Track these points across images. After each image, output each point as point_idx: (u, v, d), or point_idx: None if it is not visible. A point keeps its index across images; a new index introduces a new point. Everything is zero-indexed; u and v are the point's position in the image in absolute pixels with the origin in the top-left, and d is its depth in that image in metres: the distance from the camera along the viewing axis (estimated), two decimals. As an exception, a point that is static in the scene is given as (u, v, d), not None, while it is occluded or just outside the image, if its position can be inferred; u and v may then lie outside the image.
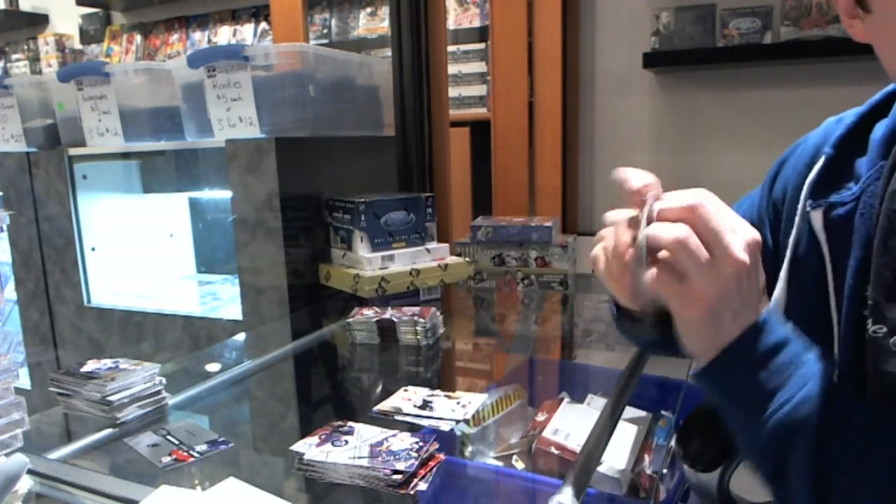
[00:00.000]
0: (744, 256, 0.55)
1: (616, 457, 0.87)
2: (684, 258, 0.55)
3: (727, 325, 0.57)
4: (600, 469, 0.84)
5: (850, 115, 0.73)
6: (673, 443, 0.99)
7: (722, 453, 0.91)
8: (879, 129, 0.67)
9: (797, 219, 0.70)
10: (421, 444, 0.82)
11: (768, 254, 0.78)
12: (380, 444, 0.83)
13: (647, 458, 0.93)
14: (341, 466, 0.78)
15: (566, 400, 1.05)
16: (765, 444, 0.57)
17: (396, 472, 0.76)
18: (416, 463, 0.77)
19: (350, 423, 0.89)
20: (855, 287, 0.61)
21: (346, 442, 0.83)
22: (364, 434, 0.86)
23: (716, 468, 0.91)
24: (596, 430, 0.75)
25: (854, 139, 0.69)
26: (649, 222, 0.58)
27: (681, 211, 0.57)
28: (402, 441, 0.83)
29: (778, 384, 0.57)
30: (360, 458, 0.79)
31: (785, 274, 0.71)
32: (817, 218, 0.66)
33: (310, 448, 0.82)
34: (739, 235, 0.56)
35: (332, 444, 0.83)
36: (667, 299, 0.58)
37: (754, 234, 0.57)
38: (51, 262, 1.91)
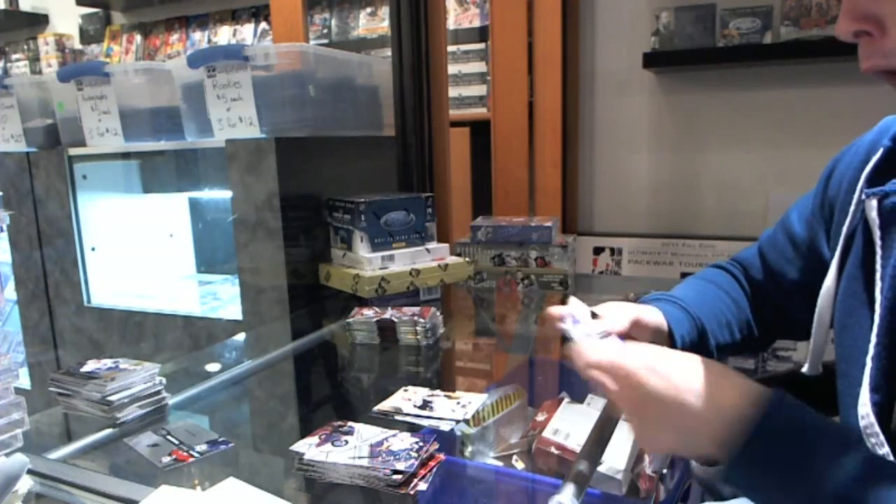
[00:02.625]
0: (610, 385, 0.64)
1: (616, 457, 0.87)
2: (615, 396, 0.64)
3: (687, 430, 0.59)
4: (600, 469, 0.84)
5: None
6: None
7: None
8: None
9: (852, 208, 0.71)
10: (421, 443, 0.82)
11: (819, 250, 0.81)
12: (380, 444, 0.83)
13: (647, 458, 0.92)
14: (341, 466, 0.78)
15: (566, 400, 1.05)
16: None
17: (396, 472, 0.76)
18: (416, 463, 0.77)
19: (350, 423, 0.89)
20: None
21: (346, 442, 0.83)
22: (364, 434, 0.86)
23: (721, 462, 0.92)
24: (596, 430, 0.75)
25: None
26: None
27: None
28: (402, 441, 0.83)
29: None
30: (360, 458, 0.79)
31: (836, 262, 0.72)
32: (872, 206, 0.66)
33: (310, 448, 0.82)
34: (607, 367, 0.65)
35: (332, 444, 0.83)
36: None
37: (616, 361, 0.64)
38: (51, 262, 1.91)
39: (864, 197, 0.68)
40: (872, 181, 0.70)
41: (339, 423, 0.89)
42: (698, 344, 0.88)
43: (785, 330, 0.94)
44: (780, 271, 0.88)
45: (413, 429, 0.91)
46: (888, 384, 0.61)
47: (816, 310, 0.74)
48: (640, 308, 0.85)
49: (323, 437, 0.85)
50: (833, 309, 0.73)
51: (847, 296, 0.70)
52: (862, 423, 0.60)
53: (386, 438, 0.84)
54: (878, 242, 0.65)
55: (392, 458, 0.78)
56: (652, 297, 0.92)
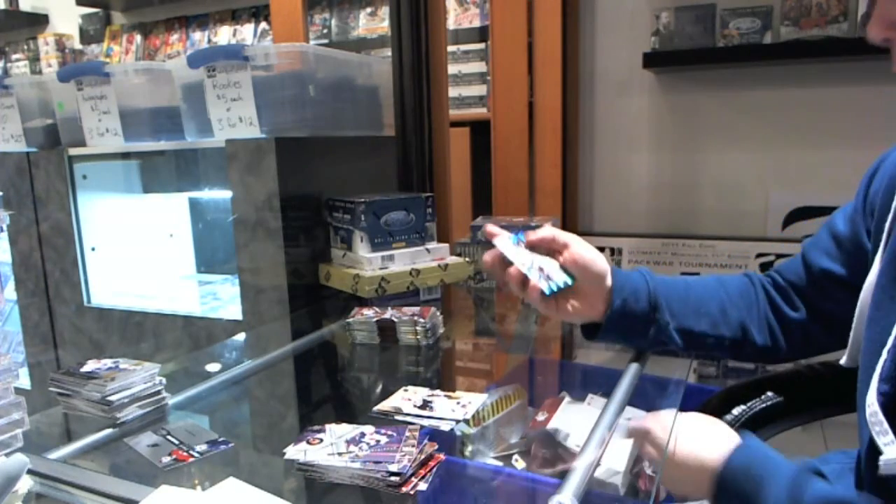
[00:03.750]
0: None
1: (615, 459, 0.87)
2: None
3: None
4: (599, 471, 0.84)
5: None
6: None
7: None
8: None
9: (895, 204, 0.71)
10: (393, 434, 0.82)
11: (867, 252, 0.81)
12: (356, 440, 0.82)
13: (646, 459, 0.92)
14: (341, 467, 0.78)
15: (566, 399, 1.05)
16: None
17: (393, 474, 0.76)
18: (401, 454, 0.77)
19: (326, 425, 0.89)
20: None
21: (321, 440, 0.83)
22: (337, 432, 0.86)
23: None
24: (596, 430, 0.75)
25: None
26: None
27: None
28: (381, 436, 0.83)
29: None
30: (344, 453, 0.79)
31: (882, 257, 0.72)
32: None
33: (304, 453, 0.82)
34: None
35: (307, 442, 0.83)
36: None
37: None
38: (51, 262, 1.91)
39: None
40: None
41: (316, 426, 0.89)
42: (646, 314, 0.92)
43: (818, 337, 0.94)
44: (822, 268, 0.88)
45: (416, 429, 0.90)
46: None
47: (858, 303, 0.75)
48: (576, 240, 0.92)
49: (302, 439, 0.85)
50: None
51: (878, 289, 0.70)
52: (868, 411, 0.61)
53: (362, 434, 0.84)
54: None
55: (382, 455, 0.78)
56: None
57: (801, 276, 0.93)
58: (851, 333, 0.76)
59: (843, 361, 0.79)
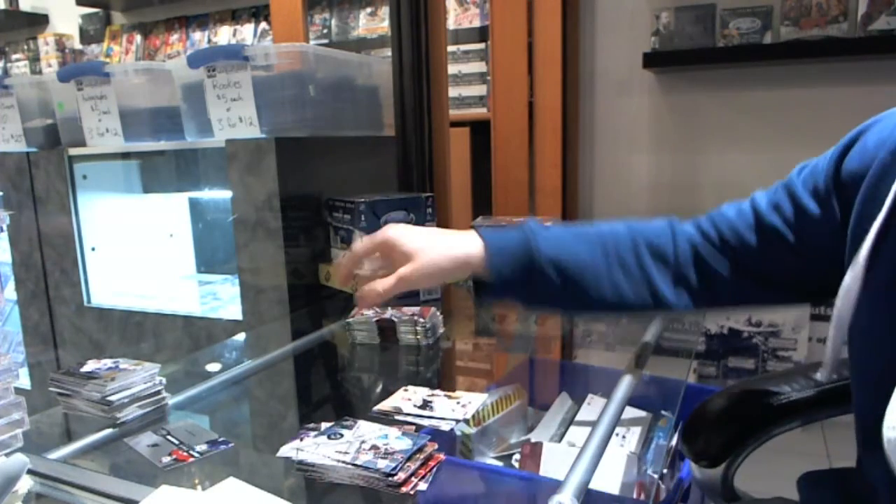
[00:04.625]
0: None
1: (608, 481, 0.85)
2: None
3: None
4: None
5: None
6: (676, 439, 1.00)
7: (726, 449, 0.91)
8: None
9: (889, 201, 0.64)
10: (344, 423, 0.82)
11: (830, 225, 0.73)
12: (337, 434, 0.82)
13: (647, 459, 0.92)
14: (341, 467, 0.78)
15: (543, 444, 0.98)
16: None
17: (391, 474, 0.76)
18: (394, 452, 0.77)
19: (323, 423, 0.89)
20: None
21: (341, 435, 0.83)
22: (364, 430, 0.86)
23: (720, 464, 0.92)
24: (596, 430, 0.75)
25: None
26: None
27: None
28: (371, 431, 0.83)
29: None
30: (346, 453, 0.79)
31: (864, 261, 0.65)
32: None
33: (298, 451, 0.82)
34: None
35: (301, 439, 0.83)
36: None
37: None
38: (51, 262, 1.91)
39: None
40: None
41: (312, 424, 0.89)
42: (527, 267, 0.84)
43: (748, 292, 0.83)
44: (784, 236, 0.79)
45: (416, 429, 0.90)
46: None
47: (835, 311, 0.68)
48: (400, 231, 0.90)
49: (303, 437, 0.85)
50: (854, 312, 0.66)
51: (882, 302, 0.64)
52: (888, 435, 0.56)
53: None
54: None
55: (379, 455, 0.78)
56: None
57: (739, 232, 0.82)
58: (829, 344, 0.70)
59: (820, 377, 0.76)
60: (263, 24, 3.10)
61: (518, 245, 0.85)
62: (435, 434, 0.88)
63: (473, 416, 0.96)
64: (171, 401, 1.02)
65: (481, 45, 2.59)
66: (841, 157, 0.75)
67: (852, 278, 0.66)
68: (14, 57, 3.77)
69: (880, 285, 0.64)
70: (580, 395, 1.13)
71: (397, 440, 0.83)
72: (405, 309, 1.35)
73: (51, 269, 1.91)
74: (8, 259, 1.99)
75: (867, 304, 0.65)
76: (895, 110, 0.72)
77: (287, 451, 0.82)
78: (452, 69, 2.53)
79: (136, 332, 1.79)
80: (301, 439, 0.84)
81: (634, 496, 0.85)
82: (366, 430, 0.87)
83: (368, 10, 2.91)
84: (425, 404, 0.98)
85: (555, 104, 2.09)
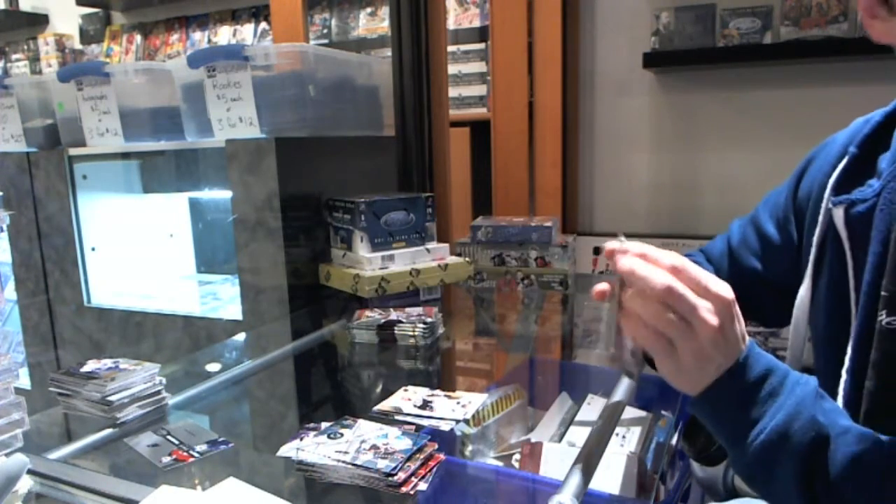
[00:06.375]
0: (714, 321, 0.55)
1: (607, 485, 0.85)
2: (671, 329, 0.56)
3: (710, 374, 0.58)
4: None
5: (877, 114, 0.73)
6: (676, 439, 1.00)
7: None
8: None
9: (821, 217, 0.70)
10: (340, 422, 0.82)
11: (790, 250, 0.79)
12: (336, 434, 0.83)
13: (647, 459, 0.92)
14: (341, 467, 0.78)
15: (543, 444, 0.98)
16: (750, 466, 0.59)
17: (391, 474, 0.76)
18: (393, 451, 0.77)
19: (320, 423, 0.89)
20: (871, 282, 0.61)
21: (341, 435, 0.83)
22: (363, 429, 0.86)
23: (721, 462, 0.92)
24: (596, 431, 0.75)
25: (878, 138, 0.70)
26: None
27: (666, 267, 0.57)
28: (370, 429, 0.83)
29: (757, 415, 0.58)
30: (346, 453, 0.79)
31: (810, 271, 0.71)
32: (839, 215, 0.66)
33: (298, 451, 0.82)
34: (711, 298, 0.56)
35: (300, 439, 0.83)
36: (659, 367, 0.60)
37: (724, 294, 0.57)
38: (51, 262, 1.91)
39: (830, 206, 0.67)
40: (839, 188, 0.68)
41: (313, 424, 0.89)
42: None
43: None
44: (753, 268, 0.85)
45: (416, 429, 0.90)
46: (860, 399, 0.61)
47: (792, 319, 0.73)
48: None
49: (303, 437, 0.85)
50: (809, 318, 0.72)
51: (824, 307, 0.69)
52: None
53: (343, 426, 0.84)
54: (847, 254, 0.65)
55: (379, 456, 0.78)
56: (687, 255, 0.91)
57: (724, 268, 0.90)
58: (789, 351, 0.76)
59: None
60: (263, 24, 3.10)
61: None
62: (435, 434, 0.88)
63: (473, 416, 0.96)
64: (171, 401, 1.03)
65: (481, 45, 2.59)
66: (797, 182, 0.80)
67: (804, 290, 0.71)
68: (14, 57, 3.77)
69: (823, 297, 0.69)
70: (580, 395, 1.13)
71: (397, 440, 0.83)
72: (406, 309, 1.36)
73: (51, 269, 1.91)
74: (8, 259, 2.00)
75: (816, 309, 0.70)
76: (841, 133, 0.76)
77: (287, 450, 0.82)
78: (452, 69, 2.53)
79: (136, 332, 1.79)
80: (301, 439, 0.84)
81: (634, 496, 0.85)
82: (366, 430, 0.87)
83: (368, 10, 2.91)
84: (425, 404, 0.98)
85: (555, 104, 2.09)
